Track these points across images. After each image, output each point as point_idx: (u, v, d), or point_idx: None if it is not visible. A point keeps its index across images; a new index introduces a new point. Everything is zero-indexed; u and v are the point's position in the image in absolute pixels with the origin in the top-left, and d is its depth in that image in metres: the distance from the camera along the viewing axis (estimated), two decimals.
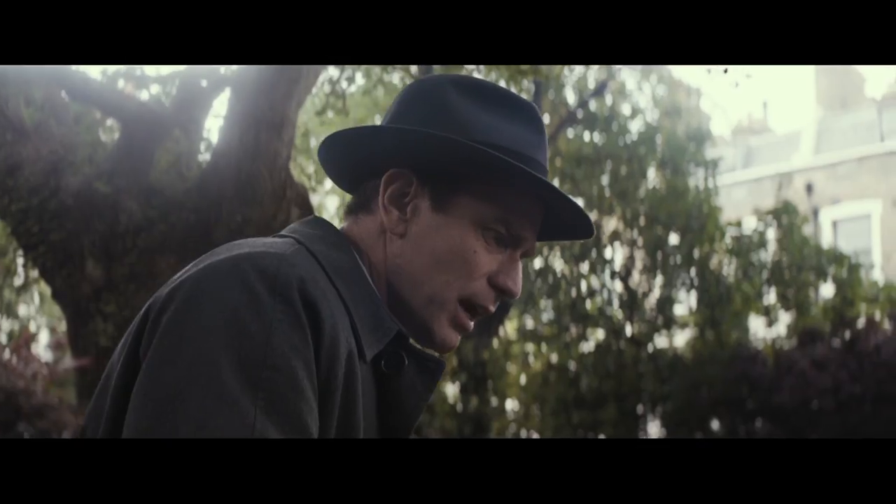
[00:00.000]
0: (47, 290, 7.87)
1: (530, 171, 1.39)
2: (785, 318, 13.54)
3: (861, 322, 11.73)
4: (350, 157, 1.53)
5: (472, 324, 1.50)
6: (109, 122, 7.08)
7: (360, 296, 1.38)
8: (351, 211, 1.53)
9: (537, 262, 14.76)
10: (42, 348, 13.80)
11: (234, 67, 6.39)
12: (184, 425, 1.13)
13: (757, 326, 13.92)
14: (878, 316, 12.04)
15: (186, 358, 1.17)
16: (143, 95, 7.17)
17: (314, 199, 12.14)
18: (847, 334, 11.46)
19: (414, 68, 9.50)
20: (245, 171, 5.98)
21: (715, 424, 12.52)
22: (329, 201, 14.95)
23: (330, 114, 8.61)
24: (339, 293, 1.34)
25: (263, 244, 1.33)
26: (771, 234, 14.50)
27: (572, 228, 1.55)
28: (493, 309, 1.50)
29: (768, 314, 13.58)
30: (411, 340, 1.48)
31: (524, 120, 1.49)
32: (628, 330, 13.97)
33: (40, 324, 16.01)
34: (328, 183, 13.47)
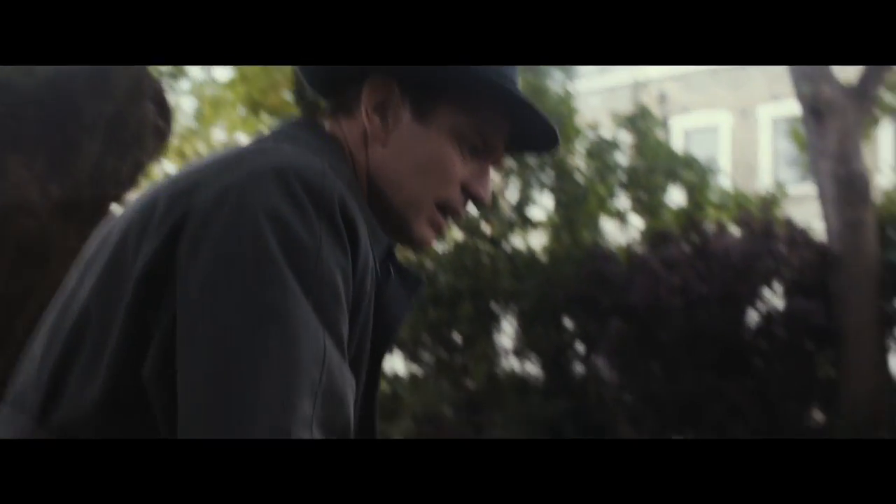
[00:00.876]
0: None
1: (503, 84, 1.52)
2: (637, 221, 13.80)
3: (710, 227, 12.04)
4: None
5: (446, 225, 1.61)
6: None
7: (364, 209, 1.44)
8: (332, 113, 1.59)
9: None
10: None
11: None
12: (282, 337, 1.19)
13: (610, 228, 14.15)
14: (726, 222, 12.36)
15: (258, 271, 1.21)
16: None
17: (171, 98, 11.86)
18: (697, 238, 11.75)
19: None
20: (98, 66, 5.79)
21: (568, 322, 12.74)
22: (185, 101, 14.65)
23: None
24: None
25: (295, 152, 1.36)
26: (625, 138, 14.69)
27: (539, 139, 1.64)
28: (463, 214, 1.61)
29: (621, 217, 13.82)
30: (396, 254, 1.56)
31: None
32: (486, 229, 14.05)
33: None
34: (185, 82, 13.13)
